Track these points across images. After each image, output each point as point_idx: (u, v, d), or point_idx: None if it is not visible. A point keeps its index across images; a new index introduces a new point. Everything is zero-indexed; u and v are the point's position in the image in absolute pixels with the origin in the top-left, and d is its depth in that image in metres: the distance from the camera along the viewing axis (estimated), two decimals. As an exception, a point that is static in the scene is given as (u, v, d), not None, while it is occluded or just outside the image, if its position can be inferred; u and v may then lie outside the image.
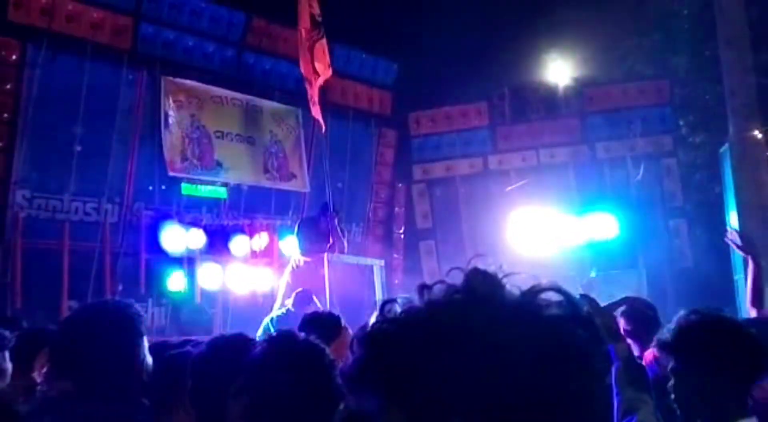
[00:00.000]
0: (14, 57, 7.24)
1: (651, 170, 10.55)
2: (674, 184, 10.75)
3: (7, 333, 3.24)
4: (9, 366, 3.18)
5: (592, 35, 10.50)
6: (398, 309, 0.93)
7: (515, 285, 0.92)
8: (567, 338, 0.87)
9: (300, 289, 7.37)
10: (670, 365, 2.12)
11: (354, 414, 1.78)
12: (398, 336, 0.90)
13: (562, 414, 0.85)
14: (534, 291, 0.90)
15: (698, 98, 11.71)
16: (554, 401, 0.84)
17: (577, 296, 2.28)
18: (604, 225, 9.87)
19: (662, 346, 2.16)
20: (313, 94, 7.98)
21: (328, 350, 1.91)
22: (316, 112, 8.07)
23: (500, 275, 0.92)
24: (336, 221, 8.17)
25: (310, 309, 7.11)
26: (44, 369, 3.20)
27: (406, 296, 0.95)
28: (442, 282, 0.92)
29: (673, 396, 2.11)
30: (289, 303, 6.96)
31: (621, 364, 2.33)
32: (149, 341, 3.61)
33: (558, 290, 0.91)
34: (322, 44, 7.92)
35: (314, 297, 7.55)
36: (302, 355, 1.83)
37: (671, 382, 2.12)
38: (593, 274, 9.65)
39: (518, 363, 0.84)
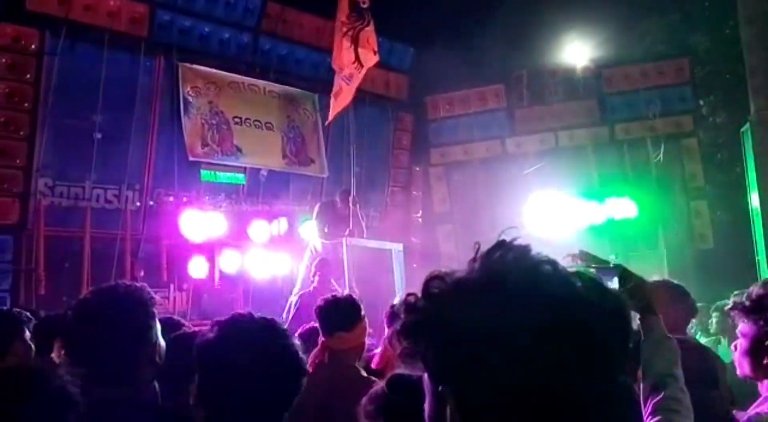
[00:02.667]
0: (33, 46, 7.28)
1: (671, 151, 10.44)
2: (695, 164, 10.63)
3: (26, 314, 3.31)
4: (30, 347, 3.24)
5: (609, 15, 10.37)
6: (442, 284, 0.94)
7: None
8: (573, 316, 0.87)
9: (321, 259, 7.44)
10: (745, 328, 2.24)
11: (392, 401, 1.80)
12: (454, 296, 0.92)
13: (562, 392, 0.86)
14: (534, 262, 0.92)
15: (718, 77, 11.57)
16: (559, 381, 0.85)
17: (611, 265, 2.26)
18: (624, 207, 9.80)
19: (743, 310, 2.26)
20: (347, 88, 7.98)
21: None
22: (341, 103, 8.07)
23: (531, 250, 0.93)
24: (356, 206, 8.20)
25: (331, 276, 7.20)
26: (61, 354, 3.26)
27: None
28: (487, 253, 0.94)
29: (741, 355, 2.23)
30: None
31: (652, 338, 2.30)
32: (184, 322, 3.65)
33: (552, 262, 0.92)
34: (366, 32, 7.91)
35: (333, 281, 7.61)
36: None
37: (742, 344, 2.24)
38: (613, 257, 9.60)
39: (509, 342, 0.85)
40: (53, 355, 3.27)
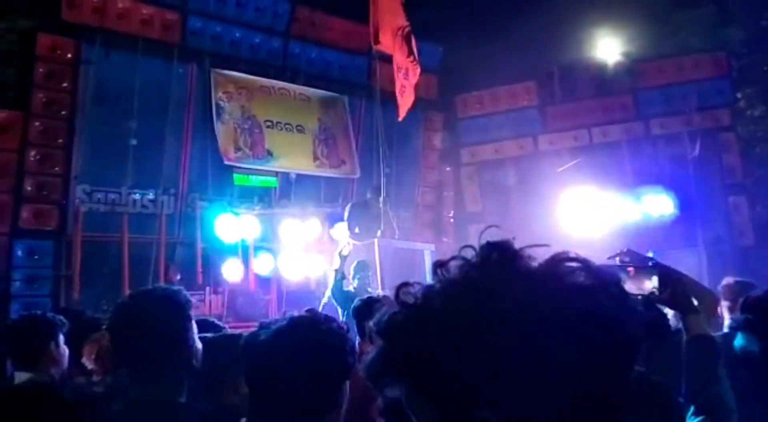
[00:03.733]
0: (70, 55, 7.45)
1: (708, 145, 10.21)
2: (733, 158, 10.39)
3: (61, 317, 3.38)
4: (65, 349, 3.31)
5: (642, 9, 10.19)
6: (413, 292, 0.88)
7: (532, 256, 0.87)
8: (591, 307, 0.82)
9: (359, 260, 7.46)
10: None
11: (391, 405, 1.80)
12: (413, 323, 0.86)
13: (590, 386, 0.81)
14: (555, 261, 0.86)
15: (756, 70, 11.27)
16: (579, 375, 0.81)
17: (649, 262, 2.21)
18: (661, 204, 9.62)
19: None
20: (407, 83, 8.02)
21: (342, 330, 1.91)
22: (407, 100, 8.11)
23: (515, 246, 0.88)
24: (386, 206, 8.21)
25: (370, 280, 7.22)
26: (93, 357, 3.31)
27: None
28: (455, 258, 0.88)
29: None
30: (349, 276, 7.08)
31: (692, 336, 2.24)
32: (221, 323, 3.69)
33: (578, 259, 0.86)
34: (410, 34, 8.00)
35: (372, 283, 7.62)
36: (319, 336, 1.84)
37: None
38: (650, 254, 9.42)
39: (537, 340, 0.80)
40: (84, 360, 3.32)
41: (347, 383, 1.87)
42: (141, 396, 2.09)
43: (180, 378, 2.25)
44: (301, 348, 1.80)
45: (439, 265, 0.88)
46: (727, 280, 4.59)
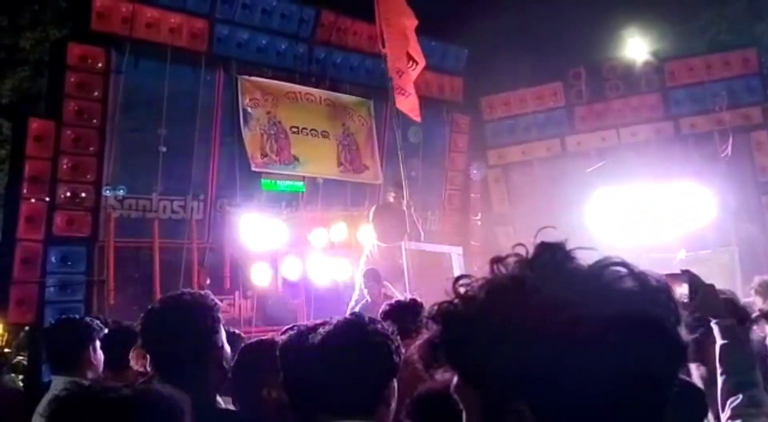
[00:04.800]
0: (100, 65, 7.57)
1: (740, 144, 10.04)
2: (765, 157, 10.21)
3: (97, 322, 3.42)
4: (101, 354, 3.35)
5: (669, 6, 10.09)
6: (468, 283, 0.91)
7: (582, 258, 0.90)
8: (635, 312, 0.84)
9: (367, 269, 7.47)
10: None
11: (424, 398, 1.81)
12: (462, 313, 0.89)
13: (628, 389, 0.82)
14: (602, 265, 0.88)
15: (787, 66, 11.07)
16: (615, 378, 0.81)
17: (679, 271, 2.19)
18: (693, 204, 9.48)
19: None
20: (404, 84, 8.09)
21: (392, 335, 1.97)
22: (410, 102, 8.20)
23: (569, 248, 0.90)
24: (410, 209, 8.21)
25: (382, 289, 7.21)
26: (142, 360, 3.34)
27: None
28: (515, 255, 0.91)
29: None
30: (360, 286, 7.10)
31: (726, 342, 2.23)
32: (239, 332, 3.71)
33: (624, 264, 0.88)
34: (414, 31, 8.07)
35: (387, 283, 7.62)
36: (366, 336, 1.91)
37: None
38: (682, 255, 9.29)
39: (577, 340, 0.81)
40: (132, 364, 3.35)
41: (395, 381, 1.94)
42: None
43: (211, 380, 2.28)
44: (350, 350, 1.86)
45: (496, 261, 0.91)
46: (763, 278, 4.53)
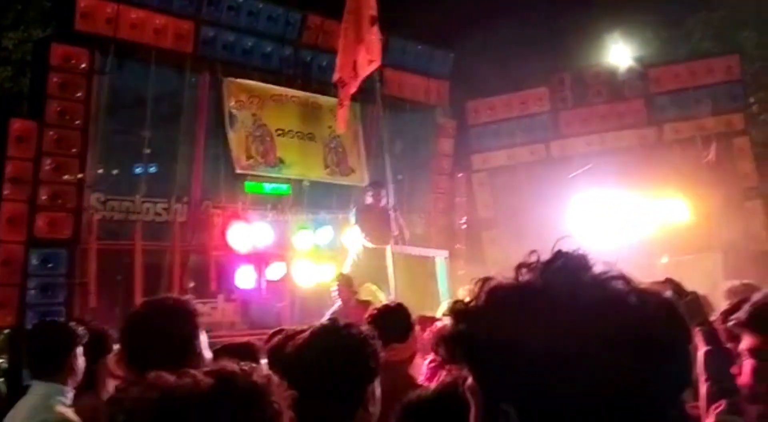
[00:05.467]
0: (83, 65, 7.50)
1: (722, 150, 10.17)
2: (747, 163, 10.34)
3: (81, 329, 3.36)
4: (83, 361, 3.29)
5: (654, 13, 10.21)
6: (502, 293, 0.92)
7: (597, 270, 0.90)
8: (637, 332, 0.84)
9: (339, 274, 7.46)
10: (748, 345, 1.95)
11: (414, 404, 1.80)
12: (470, 313, 0.92)
13: (618, 400, 0.83)
14: (604, 278, 0.88)
15: (769, 73, 11.23)
16: (604, 388, 0.82)
17: (662, 279, 2.20)
18: (675, 209, 9.56)
19: (741, 323, 1.98)
20: (344, 94, 8.10)
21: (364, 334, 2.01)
22: (341, 114, 8.20)
23: (583, 259, 0.91)
24: (396, 213, 8.20)
25: (354, 293, 7.19)
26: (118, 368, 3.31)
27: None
28: (536, 263, 0.92)
29: (747, 379, 1.96)
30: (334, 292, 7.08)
31: (709, 348, 2.25)
32: (220, 336, 3.68)
33: (626, 279, 0.89)
34: (377, 34, 8.02)
35: (374, 287, 7.61)
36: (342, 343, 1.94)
37: (749, 364, 1.95)
38: (665, 260, 9.36)
39: (569, 349, 0.83)
40: (112, 369, 3.30)
41: (374, 385, 1.96)
42: None
43: None
44: (325, 355, 1.89)
45: (519, 266, 0.92)
46: (732, 283, 4.57)
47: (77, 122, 7.45)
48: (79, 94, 7.45)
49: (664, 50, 10.79)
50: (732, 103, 10.38)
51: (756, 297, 2.00)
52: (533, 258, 0.92)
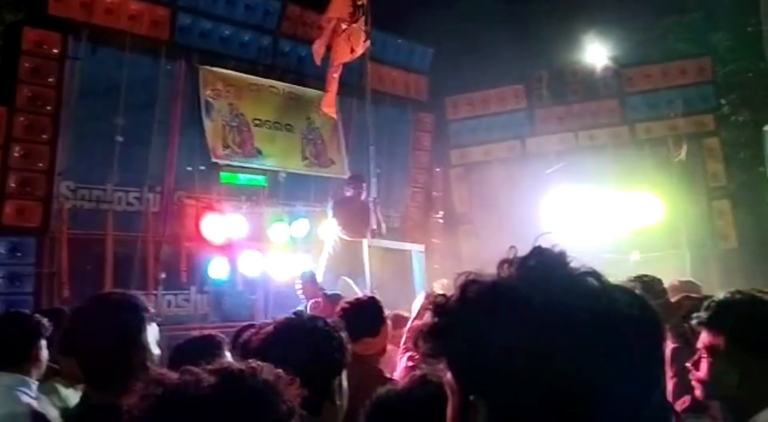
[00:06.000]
0: (56, 50, 7.34)
1: (693, 150, 10.35)
2: (717, 163, 10.53)
3: (46, 321, 3.31)
4: (47, 354, 3.25)
5: (630, 14, 10.29)
6: (478, 289, 0.92)
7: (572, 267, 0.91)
8: (606, 331, 0.85)
9: (304, 270, 7.44)
10: (706, 343, 1.99)
11: (383, 400, 1.81)
12: (448, 308, 0.93)
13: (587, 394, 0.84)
14: (578, 275, 0.90)
15: (740, 76, 11.43)
16: (572, 380, 0.83)
17: (631, 277, 2.23)
18: (646, 207, 9.70)
19: (704, 321, 2.02)
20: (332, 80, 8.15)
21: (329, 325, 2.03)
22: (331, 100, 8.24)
23: (558, 256, 0.91)
24: (375, 207, 8.20)
25: (320, 289, 7.17)
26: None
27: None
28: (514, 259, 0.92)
29: (701, 374, 2.00)
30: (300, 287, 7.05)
31: (677, 346, 2.30)
32: (192, 328, 3.65)
33: (598, 276, 0.90)
34: (355, 28, 8.03)
35: (348, 280, 7.60)
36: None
37: (706, 361, 1.99)
38: (635, 257, 9.50)
39: (536, 345, 0.84)
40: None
41: (340, 378, 1.98)
42: (103, 399, 2.08)
43: (130, 381, 2.25)
44: (289, 348, 1.88)
45: (502, 263, 0.93)
46: (672, 281, 4.68)
47: (48, 108, 7.30)
48: (51, 80, 7.30)
49: (639, 51, 10.91)
50: (703, 104, 10.55)
51: (719, 296, 2.04)
52: (512, 254, 0.92)
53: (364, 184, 8.26)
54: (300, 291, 7.11)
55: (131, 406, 1.12)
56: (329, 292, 6.68)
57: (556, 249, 0.91)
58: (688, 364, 2.04)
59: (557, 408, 0.82)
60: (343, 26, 8.22)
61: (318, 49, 8.29)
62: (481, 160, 11.11)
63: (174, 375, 1.14)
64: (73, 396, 3.01)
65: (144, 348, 2.23)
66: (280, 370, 1.22)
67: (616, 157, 10.48)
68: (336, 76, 8.39)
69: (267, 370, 1.18)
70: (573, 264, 0.90)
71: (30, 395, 3.01)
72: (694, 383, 2.02)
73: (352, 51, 8.04)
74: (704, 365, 1.97)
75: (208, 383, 1.11)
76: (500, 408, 0.85)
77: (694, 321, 2.02)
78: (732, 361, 1.89)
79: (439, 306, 0.94)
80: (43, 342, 3.20)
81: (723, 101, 11.07)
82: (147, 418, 1.10)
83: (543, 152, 10.78)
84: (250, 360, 1.25)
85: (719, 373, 1.92)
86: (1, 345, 3.19)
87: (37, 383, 3.12)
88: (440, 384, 1.66)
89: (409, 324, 4.28)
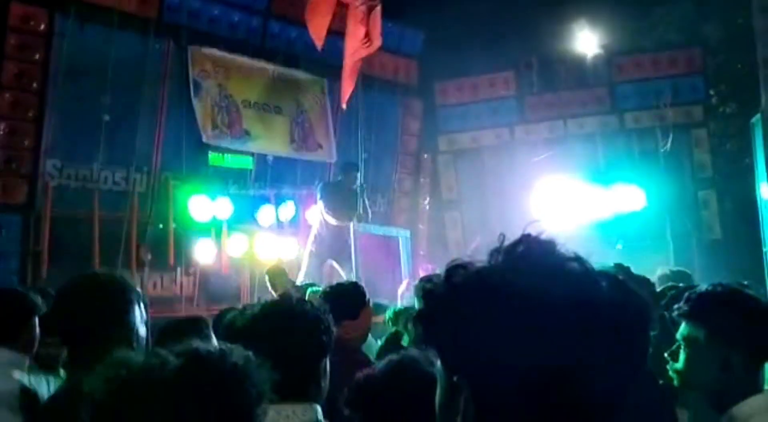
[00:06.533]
0: (42, 27, 7.24)
1: (680, 140, 10.39)
2: (704, 154, 10.58)
3: (39, 299, 3.32)
4: (38, 333, 3.26)
5: (621, 3, 10.27)
6: (464, 274, 0.94)
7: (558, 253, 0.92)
8: (591, 314, 0.87)
9: (271, 266, 7.45)
10: (685, 334, 2.01)
11: (362, 385, 1.83)
12: (437, 294, 0.94)
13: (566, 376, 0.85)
14: (559, 260, 0.91)
15: (730, 67, 11.45)
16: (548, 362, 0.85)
17: (611, 265, 2.25)
18: (632, 197, 9.76)
19: (684, 313, 2.04)
20: (352, 66, 8.04)
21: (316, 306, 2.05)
22: (350, 83, 8.13)
23: (545, 243, 0.93)
24: (364, 193, 8.20)
25: (291, 283, 7.16)
26: None
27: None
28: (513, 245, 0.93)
29: (679, 365, 2.03)
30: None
31: (655, 334, 2.32)
32: (177, 310, 3.66)
33: (581, 261, 0.92)
34: (376, 12, 7.96)
35: (334, 263, 7.61)
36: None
37: (683, 351, 2.02)
38: (619, 246, 9.58)
39: (516, 328, 0.85)
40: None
41: (326, 361, 1.99)
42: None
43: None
44: (275, 333, 1.89)
45: (493, 251, 0.94)
46: (663, 270, 4.73)
47: (34, 85, 7.21)
48: (36, 57, 7.21)
49: (630, 40, 10.90)
50: (692, 95, 10.58)
51: (700, 288, 2.06)
52: (501, 241, 0.94)
53: (357, 173, 8.23)
54: (270, 286, 7.12)
55: (94, 389, 1.10)
56: (302, 283, 6.71)
57: (545, 236, 0.92)
58: (666, 355, 2.06)
59: (538, 389, 0.84)
60: (357, 3, 8.08)
61: (317, 31, 8.16)
62: (469, 147, 11.09)
63: (140, 358, 1.13)
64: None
65: (130, 328, 2.24)
66: (250, 353, 1.20)
67: (604, 146, 10.52)
68: (354, 63, 8.21)
69: (237, 353, 1.16)
70: (560, 251, 0.91)
71: (23, 371, 3.02)
72: (671, 373, 2.05)
73: (367, 37, 7.94)
74: (682, 356, 1.99)
75: (174, 365, 1.09)
76: (482, 389, 0.87)
77: (674, 313, 2.04)
78: (711, 353, 1.91)
79: (427, 292, 0.95)
80: (36, 320, 3.21)
81: (712, 92, 11.11)
82: (109, 401, 1.08)
83: (531, 140, 10.79)
84: (221, 343, 1.24)
85: (698, 364, 1.95)
86: None
87: (29, 361, 3.13)
88: (417, 368, 1.67)
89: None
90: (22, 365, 3.04)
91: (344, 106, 8.70)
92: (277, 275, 7.15)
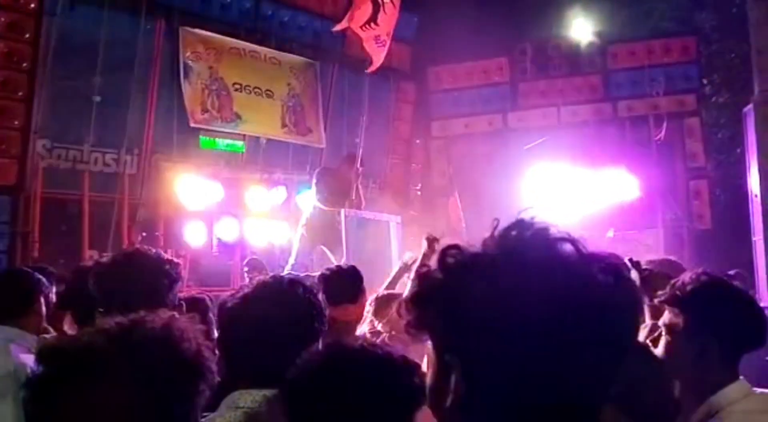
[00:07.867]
0: (33, 6, 7.15)
1: (673, 129, 10.40)
2: (696, 143, 10.59)
3: (44, 280, 3.33)
4: (44, 310, 3.28)
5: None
6: (458, 256, 0.94)
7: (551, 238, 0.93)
8: (574, 297, 0.87)
9: (250, 258, 7.45)
10: (667, 321, 2.02)
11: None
12: (432, 278, 0.94)
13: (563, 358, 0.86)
14: (552, 242, 0.91)
15: (724, 56, 11.48)
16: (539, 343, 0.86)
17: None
18: (624, 185, 9.79)
19: (667, 301, 2.04)
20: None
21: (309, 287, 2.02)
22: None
23: (538, 227, 0.93)
24: (358, 178, 8.19)
25: (262, 274, 7.15)
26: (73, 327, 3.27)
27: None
28: (507, 230, 0.94)
29: (659, 351, 2.03)
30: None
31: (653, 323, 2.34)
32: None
33: (575, 242, 0.92)
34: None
35: (325, 249, 7.60)
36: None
37: (663, 337, 2.03)
38: (610, 234, 9.61)
39: (506, 308, 0.86)
40: (65, 328, 3.27)
41: (317, 346, 1.93)
42: None
43: None
44: (267, 314, 1.87)
45: (488, 238, 0.94)
46: (652, 258, 4.75)
47: (24, 64, 7.13)
48: (27, 36, 7.12)
49: (624, 28, 10.88)
50: (686, 84, 10.57)
51: (684, 276, 2.06)
52: (494, 226, 0.95)
53: (356, 166, 8.21)
54: (247, 279, 7.11)
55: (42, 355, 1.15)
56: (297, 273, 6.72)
57: (539, 220, 0.93)
58: (647, 341, 2.08)
59: (529, 366, 0.85)
60: None
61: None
62: (461, 133, 11.08)
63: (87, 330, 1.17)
64: None
65: (168, 305, 2.24)
66: (183, 317, 1.24)
67: (596, 134, 10.52)
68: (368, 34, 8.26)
69: (161, 314, 1.20)
70: (553, 232, 0.92)
71: (28, 348, 3.03)
72: None
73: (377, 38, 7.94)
74: (663, 342, 2.00)
75: (110, 332, 1.13)
76: (474, 364, 0.88)
77: (657, 300, 2.05)
78: (691, 341, 1.93)
79: (420, 275, 0.96)
80: (42, 299, 3.22)
81: (705, 81, 11.13)
82: (44, 376, 1.11)
83: (524, 127, 10.78)
84: (173, 313, 1.27)
85: (678, 352, 1.96)
86: (2, 299, 3.22)
87: (35, 337, 3.14)
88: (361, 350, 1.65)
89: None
90: (27, 340, 3.06)
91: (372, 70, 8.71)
92: (252, 268, 7.18)
